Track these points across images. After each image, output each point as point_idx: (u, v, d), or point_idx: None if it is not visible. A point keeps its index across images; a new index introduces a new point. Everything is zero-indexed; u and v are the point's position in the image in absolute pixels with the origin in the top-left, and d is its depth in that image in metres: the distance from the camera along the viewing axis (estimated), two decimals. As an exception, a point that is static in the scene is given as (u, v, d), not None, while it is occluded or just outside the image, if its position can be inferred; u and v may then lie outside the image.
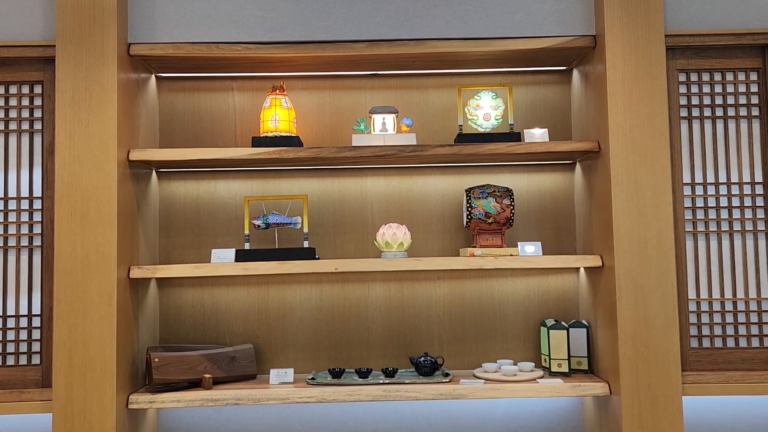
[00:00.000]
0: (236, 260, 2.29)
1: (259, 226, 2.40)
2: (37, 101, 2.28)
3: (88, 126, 2.14)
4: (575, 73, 2.55)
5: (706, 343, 2.26)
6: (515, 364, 2.40)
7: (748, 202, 2.29)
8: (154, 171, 2.52)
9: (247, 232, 2.39)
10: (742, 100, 2.32)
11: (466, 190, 2.44)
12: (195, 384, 2.27)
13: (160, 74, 2.55)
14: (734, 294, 2.27)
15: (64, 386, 2.08)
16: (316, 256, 2.37)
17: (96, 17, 2.16)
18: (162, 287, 2.54)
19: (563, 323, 2.40)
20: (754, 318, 2.26)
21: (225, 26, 2.27)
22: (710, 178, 2.31)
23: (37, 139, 2.27)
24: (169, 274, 2.26)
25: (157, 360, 2.21)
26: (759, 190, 2.29)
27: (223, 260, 2.30)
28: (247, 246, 2.38)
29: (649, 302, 2.14)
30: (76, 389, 2.08)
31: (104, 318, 2.10)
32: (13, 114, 2.27)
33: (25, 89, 2.28)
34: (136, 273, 2.22)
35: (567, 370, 2.35)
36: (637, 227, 2.16)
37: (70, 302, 2.10)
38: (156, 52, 2.27)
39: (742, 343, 2.25)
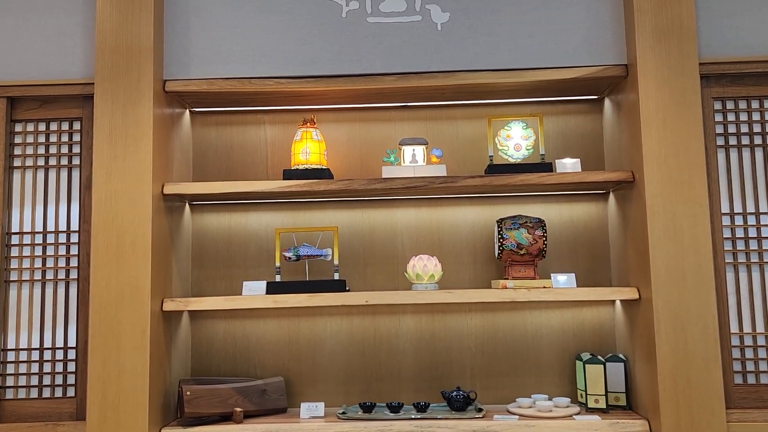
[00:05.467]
0: (267, 292, 2.30)
1: (290, 258, 2.40)
2: (76, 137, 2.34)
3: (125, 161, 2.18)
4: (607, 102, 2.52)
5: (751, 379, 2.17)
6: (550, 399, 2.34)
7: None
8: (187, 204, 2.56)
9: (278, 264, 2.40)
10: (782, 127, 2.27)
11: (498, 221, 2.42)
12: (226, 417, 2.26)
13: (194, 109, 2.60)
14: (779, 328, 2.19)
15: (98, 419, 2.09)
16: (347, 288, 2.36)
17: (133, 55, 2.22)
18: (194, 319, 2.55)
19: (600, 357, 2.34)
20: (801, 353, 2.18)
21: (257, 62, 2.31)
22: (750, 208, 2.24)
23: (75, 174, 2.33)
24: (201, 307, 2.28)
25: (188, 393, 2.21)
26: None
27: (254, 292, 2.30)
28: (278, 278, 2.38)
29: (689, 336, 2.07)
30: (109, 422, 2.09)
31: (137, 351, 2.11)
32: (53, 150, 2.34)
33: (65, 126, 2.35)
34: (169, 306, 2.24)
35: (604, 406, 2.28)
36: (675, 258, 2.10)
37: (104, 335, 2.12)
38: (191, 88, 2.32)
39: (790, 379, 2.17)
